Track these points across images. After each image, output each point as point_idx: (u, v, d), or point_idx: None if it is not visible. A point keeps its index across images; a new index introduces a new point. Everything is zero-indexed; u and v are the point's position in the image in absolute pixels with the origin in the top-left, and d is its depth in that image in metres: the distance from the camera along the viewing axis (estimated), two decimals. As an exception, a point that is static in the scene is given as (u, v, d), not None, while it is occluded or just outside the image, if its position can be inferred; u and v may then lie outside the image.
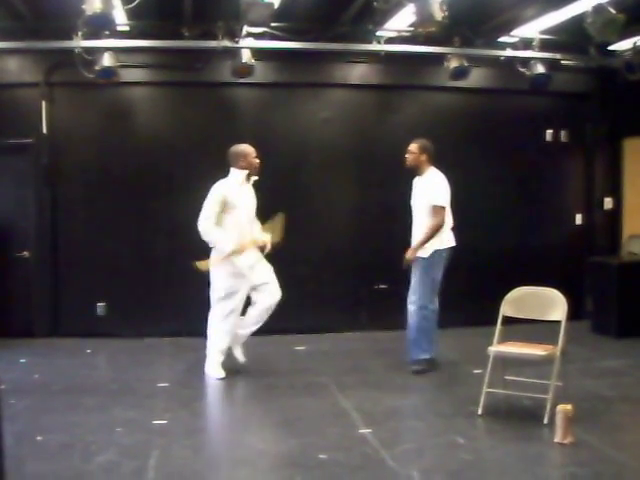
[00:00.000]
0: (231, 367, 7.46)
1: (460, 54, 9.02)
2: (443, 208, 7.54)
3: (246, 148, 7.53)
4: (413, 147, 7.73)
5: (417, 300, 7.61)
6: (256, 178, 7.59)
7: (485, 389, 6.07)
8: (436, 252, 7.55)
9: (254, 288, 7.51)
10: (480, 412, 6.05)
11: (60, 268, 9.25)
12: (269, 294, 7.51)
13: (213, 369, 7.43)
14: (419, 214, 7.72)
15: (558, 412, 5.38)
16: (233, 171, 7.52)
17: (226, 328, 7.44)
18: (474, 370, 7.23)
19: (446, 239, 7.63)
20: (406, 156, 7.77)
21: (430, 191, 7.59)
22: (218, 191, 7.40)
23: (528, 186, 10.14)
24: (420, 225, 7.66)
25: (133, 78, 9.16)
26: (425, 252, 7.53)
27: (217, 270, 7.43)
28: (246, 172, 7.48)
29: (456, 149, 9.68)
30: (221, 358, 7.47)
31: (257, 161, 7.54)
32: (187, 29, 8.61)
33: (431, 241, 7.50)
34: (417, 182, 7.84)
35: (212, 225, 7.32)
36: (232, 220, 7.39)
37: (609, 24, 7.12)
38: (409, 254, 7.57)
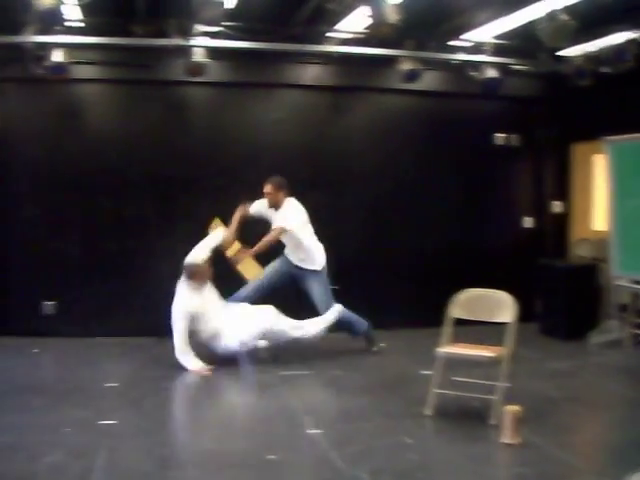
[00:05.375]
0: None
1: (412, 57, 9.07)
2: (282, 229, 8.10)
3: None
4: (269, 188, 8.16)
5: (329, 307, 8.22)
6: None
7: (433, 390, 6.11)
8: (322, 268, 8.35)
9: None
10: (428, 413, 6.08)
11: (8, 266, 9.12)
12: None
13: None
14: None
15: (506, 413, 5.43)
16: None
17: None
18: (422, 371, 7.22)
19: (321, 256, 8.41)
20: (266, 199, 8.22)
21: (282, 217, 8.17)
22: None
23: (478, 189, 10.23)
24: (290, 247, 8.38)
25: (84, 75, 9.06)
26: (317, 266, 8.30)
27: None
28: None
29: (407, 151, 9.76)
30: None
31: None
32: (140, 26, 8.55)
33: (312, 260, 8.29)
34: (272, 213, 8.30)
35: None
36: None
37: (560, 30, 7.21)
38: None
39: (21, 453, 5.31)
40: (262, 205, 8.28)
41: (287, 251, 8.38)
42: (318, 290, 8.24)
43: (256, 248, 7.93)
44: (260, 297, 8.19)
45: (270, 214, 8.26)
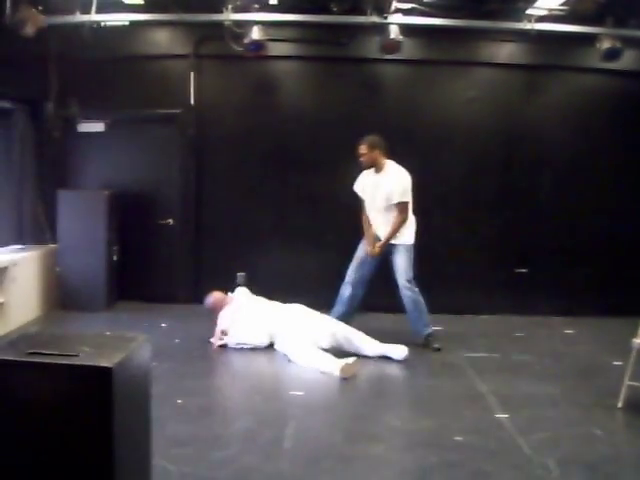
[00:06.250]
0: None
1: (613, 34, 8.70)
2: (407, 203, 7.68)
3: None
4: (363, 149, 7.69)
5: (411, 281, 7.67)
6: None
7: (626, 382, 5.90)
8: (413, 241, 7.80)
9: None
10: (620, 405, 5.90)
11: (203, 237, 9.51)
12: None
13: None
14: (380, 207, 7.79)
15: None
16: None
17: None
18: (614, 362, 7.05)
19: (414, 228, 7.85)
20: (360, 160, 7.76)
21: (396, 188, 7.63)
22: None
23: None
24: (383, 221, 7.79)
25: (280, 52, 9.24)
26: (408, 240, 7.74)
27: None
28: None
29: (605, 134, 9.41)
30: None
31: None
32: (336, 4, 8.62)
33: (408, 231, 7.74)
34: (374, 177, 7.82)
35: None
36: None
37: None
38: (378, 249, 7.76)
39: (214, 416, 5.59)
40: (362, 178, 7.93)
41: (379, 226, 7.84)
42: (402, 261, 7.70)
43: (391, 232, 7.64)
44: (361, 279, 7.92)
45: (371, 180, 7.83)
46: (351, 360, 6.77)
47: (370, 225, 7.89)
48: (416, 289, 7.67)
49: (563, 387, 6.52)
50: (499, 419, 5.64)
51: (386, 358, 7.22)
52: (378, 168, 7.75)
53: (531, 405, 6.01)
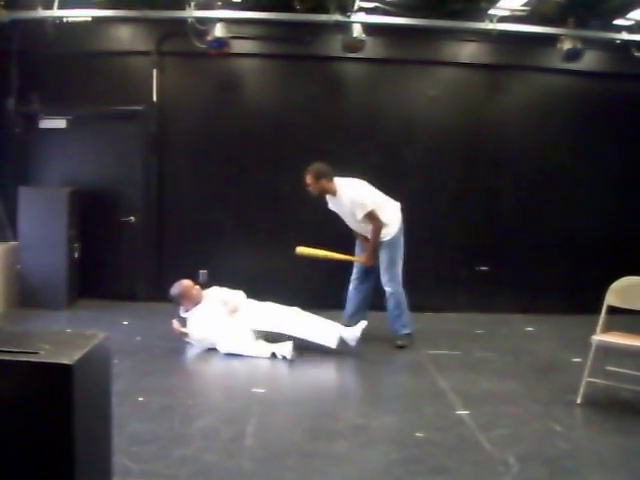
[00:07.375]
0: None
1: (574, 35, 8.79)
2: (374, 211, 7.58)
3: None
4: (308, 179, 7.59)
5: (394, 279, 7.69)
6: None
7: (585, 378, 5.97)
8: (395, 235, 7.70)
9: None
10: (579, 401, 5.96)
11: (164, 234, 9.47)
12: None
13: None
14: (355, 223, 7.77)
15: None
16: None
17: None
18: (573, 358, 7.14)
19: (395, 221, 7.75)
20: (309, 190, 7.67)
21: (354, 205, 7.58)
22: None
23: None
24: (365, 231, 7.78)
25: (243, 49, 9.22)
26: (390, 232, 7.69)
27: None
28: None
29: (566, 133, 9.52)
30: None
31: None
32: (299, 2, 8.63)
33: (386, 229, 7.66)
34: (334, 200, 7.76)
35: None
36: None
37: None
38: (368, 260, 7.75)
39: (175, 415, 5.53)
40: (329, 201, 7.85)
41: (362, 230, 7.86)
42: (386, 257, 7.70)
43: (371, 249, 7.66)
44: (366, 281, 7.93)
45: (334, 203, 7.78)
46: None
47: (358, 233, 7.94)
48: (399, 287, 7.70)
49: (523, 384, 6.59)
50: (460, 415, 5.68)
51: (352, 355, 7.26)
52: (331, 194, 7.70)
53: (492, 401, 6.06)
